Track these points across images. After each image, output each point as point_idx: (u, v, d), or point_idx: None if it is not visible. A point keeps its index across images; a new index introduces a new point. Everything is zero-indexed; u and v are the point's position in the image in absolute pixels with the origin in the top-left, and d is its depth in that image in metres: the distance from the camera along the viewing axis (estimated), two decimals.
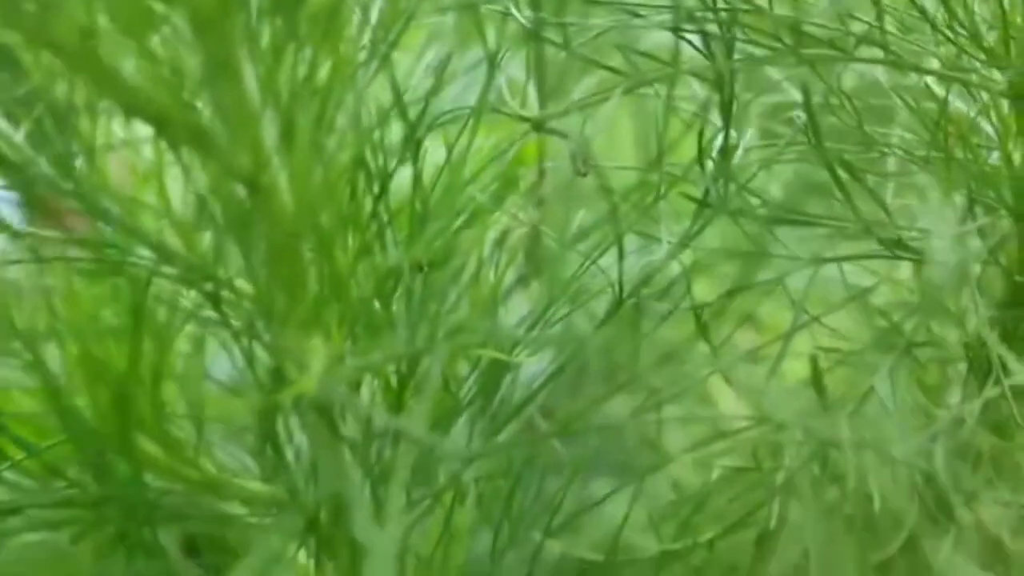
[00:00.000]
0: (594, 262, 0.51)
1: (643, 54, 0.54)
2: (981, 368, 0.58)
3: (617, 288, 0.53)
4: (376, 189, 0.51)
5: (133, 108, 0.46)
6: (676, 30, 0.51)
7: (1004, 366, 0.56)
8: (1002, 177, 0.60)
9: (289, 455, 0.51)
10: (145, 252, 0.50)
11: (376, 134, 0.51)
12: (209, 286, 0.50)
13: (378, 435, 0.50)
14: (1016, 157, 0.61)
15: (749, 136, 0.59)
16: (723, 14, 0.53)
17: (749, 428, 0.57)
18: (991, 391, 0.54)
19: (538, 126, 0.53)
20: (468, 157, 0.52)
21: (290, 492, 0.51)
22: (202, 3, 0.46)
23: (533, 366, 0.56)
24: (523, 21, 0.52)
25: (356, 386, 0.51)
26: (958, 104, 0.61)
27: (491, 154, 0.54)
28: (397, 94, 0.51)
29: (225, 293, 0.50)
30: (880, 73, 0.62)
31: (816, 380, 0.52)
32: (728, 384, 0.60)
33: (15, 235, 0.51)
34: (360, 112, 0.50)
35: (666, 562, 0.60)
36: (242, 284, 0.51)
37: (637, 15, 0.52)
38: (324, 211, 0.49)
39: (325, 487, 0.50)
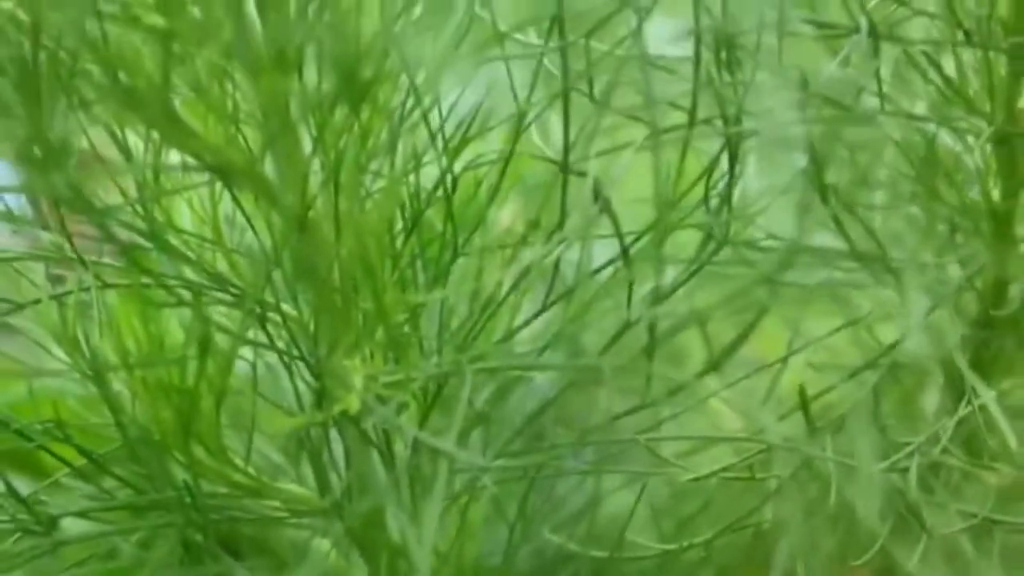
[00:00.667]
0: (608, 293, 0.56)
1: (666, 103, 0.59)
2: (955, 387, 0.64)
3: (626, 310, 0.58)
4: (411, 225, 0.56)
5: (199, 157, 0.51)
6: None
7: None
8: (981, 210, 0.66)
9: (331, 465, 0.57)
10: (203, 281, 0.55)
11: (411, 176, 0.56)
12: (259, 312, 0.55)
13: (412, 448, 0.56)
14: (995, 192, 0.66)
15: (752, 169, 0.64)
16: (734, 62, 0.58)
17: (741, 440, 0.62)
18: (963, 411, 0.59)
19: (564, 168, 0.58)
20: (497, 195, 0.58)
21: (332, 499, 0.56)
22: (260, 60, 0.51)
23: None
24: (554, 71, 0.57)
25: (391, 402, 0.56)
26: (945, 140, 0.67)
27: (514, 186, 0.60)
28: (432, 138, 0.56)
29: (273, 318, 0.56)
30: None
31: (803, 404, 0.57)
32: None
33: (82, 262, 0.56)
34: (396, 156, 0.55)
35: (666, 560, 0.65)
36: (289, 310, 0.56)
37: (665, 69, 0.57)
38: (364, 246, 0.54)
39: (365, 494, 0.56)
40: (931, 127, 0.65)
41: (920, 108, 0.66)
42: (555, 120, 0.60)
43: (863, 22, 0.54)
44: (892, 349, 0.64)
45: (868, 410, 0.63)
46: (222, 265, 0.57)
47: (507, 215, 0.65)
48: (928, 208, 0.67)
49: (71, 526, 0.58)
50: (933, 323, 0.68)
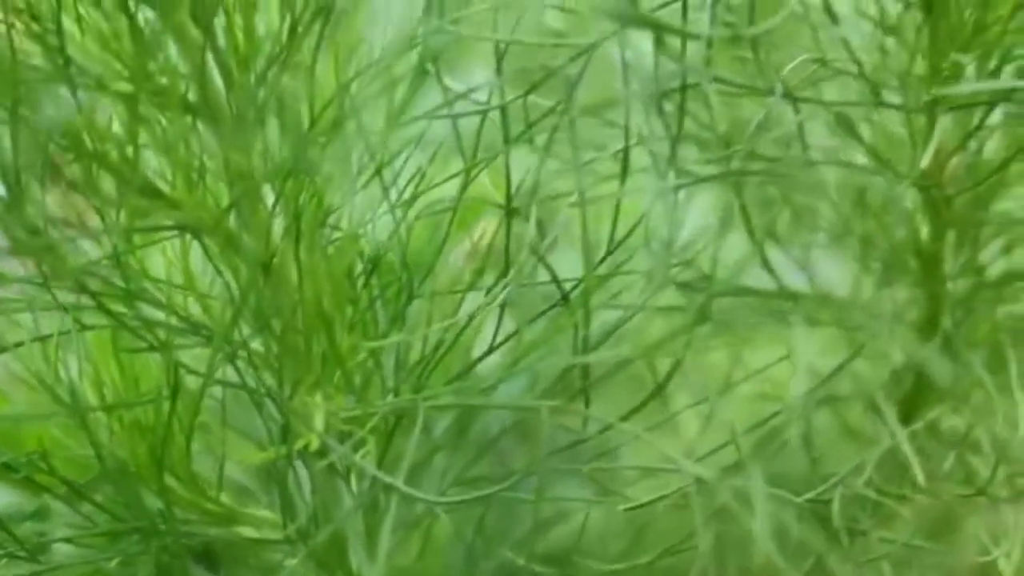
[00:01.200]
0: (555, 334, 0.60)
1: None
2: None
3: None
4: (368, 272, 0.61)
5: (173, 216, 0.55)
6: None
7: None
8: (909, 248, 0.70)
9: (298, 493, 0.61)
10: (176, 323, 0.60)
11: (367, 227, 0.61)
12: (228, 352, 0.60)
13: (371, 479, 0.60)
14: (923, 232, 0.71)
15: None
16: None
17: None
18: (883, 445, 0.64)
19: (511, 213, 0.63)
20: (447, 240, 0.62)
21: (297, 526, 0.61)
22: (227, 120, 0.56)
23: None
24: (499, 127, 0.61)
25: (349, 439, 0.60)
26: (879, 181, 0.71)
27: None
28: (385, 192, 0.61)
29: (242, 357, 0.60)
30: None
31: (733, 437, 0.62)
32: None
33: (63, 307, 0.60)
34: (352, 209, 0.60)
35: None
36: (257, 348, 0.61)
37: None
38: (324, 291, 0.59)
39: (326, 520, 0.60)
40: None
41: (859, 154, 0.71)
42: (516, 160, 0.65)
43: (778, 86, 0.58)
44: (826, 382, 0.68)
45: (804, 440, 0.67)
46: (194, 308, 0.61)
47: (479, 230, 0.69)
48: (862, 249, 0.72)
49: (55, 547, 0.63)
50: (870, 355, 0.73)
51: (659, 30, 0.52)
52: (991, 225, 0.69)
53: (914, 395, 0.74)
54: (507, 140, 0.61)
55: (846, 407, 0.74)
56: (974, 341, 0.70)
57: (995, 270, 0.70)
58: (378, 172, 0.58)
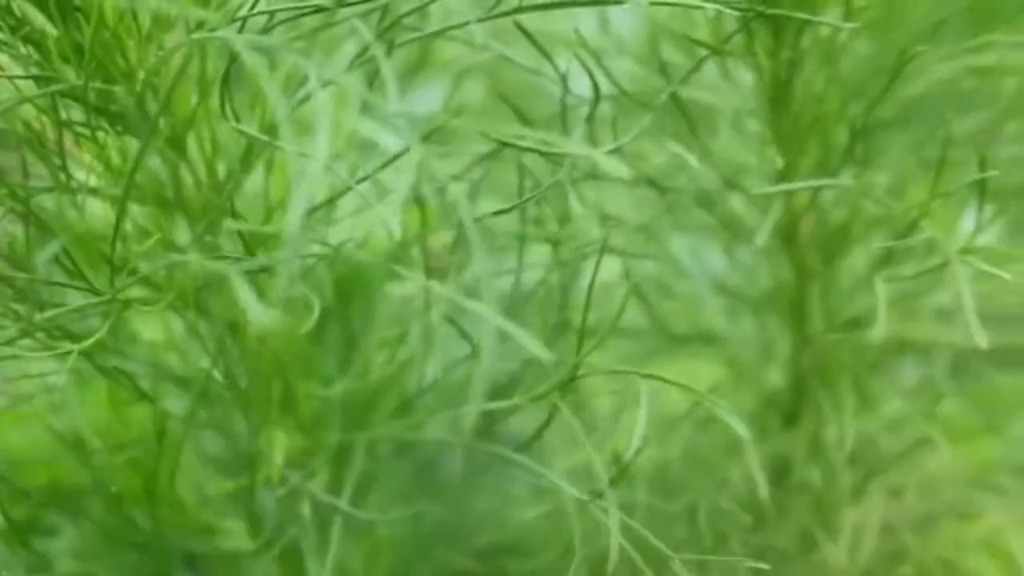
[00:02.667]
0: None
1: None
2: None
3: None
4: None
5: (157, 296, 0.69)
6: None
7: None
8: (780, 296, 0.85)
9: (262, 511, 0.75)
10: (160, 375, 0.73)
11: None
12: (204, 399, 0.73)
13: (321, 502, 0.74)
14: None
15: None
16: None
17: None
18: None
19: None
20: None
21: (262, 538, 0.74)
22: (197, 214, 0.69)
23: None
24: None
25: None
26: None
27: None
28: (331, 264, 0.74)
29: (216, 402, 0.74)
30: None
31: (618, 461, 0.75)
32: None
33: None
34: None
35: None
36: (227, 395, 0.74)
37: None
38: (281, 349, 0.72)
39: (285, 533, 0.74)
40: None
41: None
42: None
43: None
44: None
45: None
46: (174, 361, 0.75)
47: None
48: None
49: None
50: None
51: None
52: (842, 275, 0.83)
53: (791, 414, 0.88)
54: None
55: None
56: (828, 372, 0.84)
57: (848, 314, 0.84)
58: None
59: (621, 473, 0.71)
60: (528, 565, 0.86)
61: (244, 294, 0.50)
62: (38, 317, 0.64)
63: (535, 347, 0.52)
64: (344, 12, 0.54)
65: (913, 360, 0.87)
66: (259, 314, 0.49)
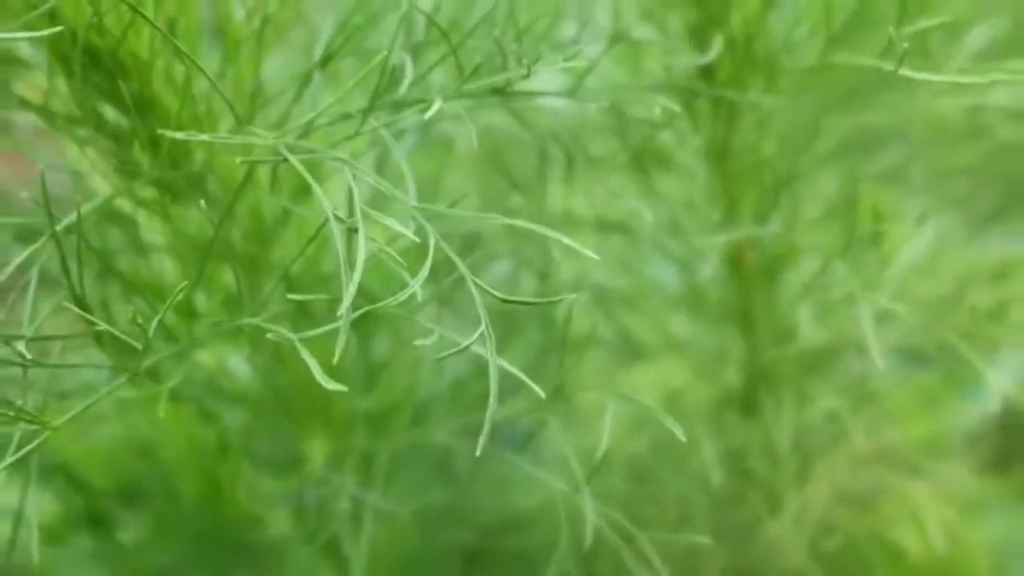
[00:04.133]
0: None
1: None
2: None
3: None
4: None
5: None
6: None
7: None
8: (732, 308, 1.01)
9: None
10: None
11: None
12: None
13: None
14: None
15: None
16: None
17: None
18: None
19: None
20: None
21: (306, 527, 0.91)
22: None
23: None
24: None
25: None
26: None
27: None
28: None
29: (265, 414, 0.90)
30: None
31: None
32: None
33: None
34: None
35: None
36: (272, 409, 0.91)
37: None
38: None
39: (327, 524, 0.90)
40: None
41: None
42: None
43: None
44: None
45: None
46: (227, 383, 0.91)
47: None
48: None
49: None
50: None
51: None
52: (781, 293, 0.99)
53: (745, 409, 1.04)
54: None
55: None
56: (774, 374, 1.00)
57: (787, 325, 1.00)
58: None
59: (599, 465, 0.88)
60: (522, 542, 1.03)
61: (310, 362, 0.65)
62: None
63: (524, 377, 0.68)
64: (371, 124, 0.69)
65: (845, 360, 1.03)
66: (325, 381, 0.64)
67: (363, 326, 0.89)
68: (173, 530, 0.92)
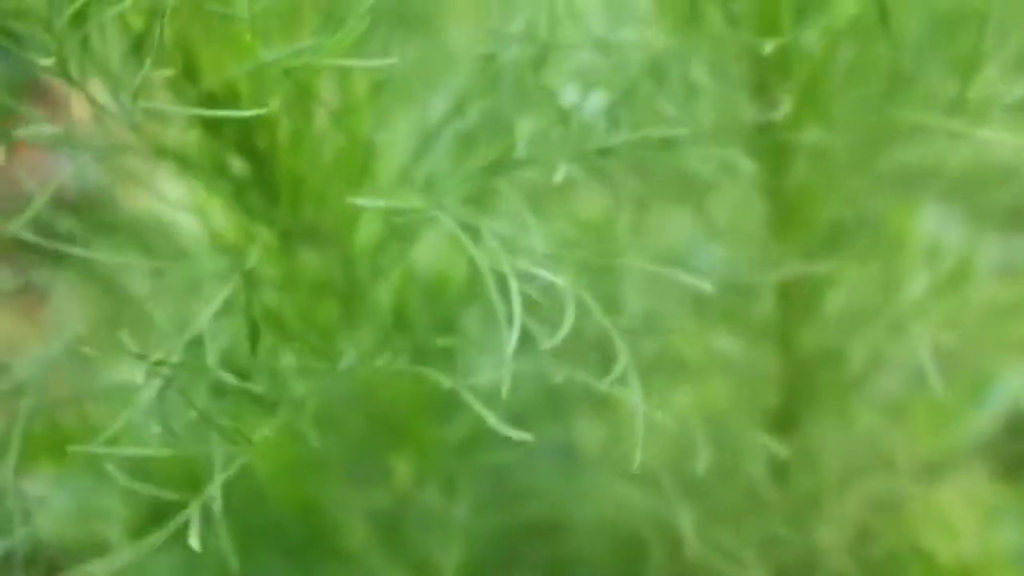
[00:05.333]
0: None
1: None
2: None
3: None
4: None
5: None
6: None
7: None
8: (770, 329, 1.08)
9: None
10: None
11: None
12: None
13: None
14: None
15: None
16: None
17: None
18: None
19: None
20: None
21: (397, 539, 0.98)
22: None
23: None
24: None
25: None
26: None
27: None
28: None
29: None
30: None
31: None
32: None
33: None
34: None
35: None
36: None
37: None
38: (406, 396, 0.95)
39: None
40: None
41: None
42: None
43: None
44: None
45: None
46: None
47: None
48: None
49: None
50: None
51: None
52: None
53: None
54: None
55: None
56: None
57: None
58: None
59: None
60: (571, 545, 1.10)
61: (483, 412, 0.72)
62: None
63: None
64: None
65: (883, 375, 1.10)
66: (500, 427, 0.71)
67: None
68: (262, 539, 0.99)
